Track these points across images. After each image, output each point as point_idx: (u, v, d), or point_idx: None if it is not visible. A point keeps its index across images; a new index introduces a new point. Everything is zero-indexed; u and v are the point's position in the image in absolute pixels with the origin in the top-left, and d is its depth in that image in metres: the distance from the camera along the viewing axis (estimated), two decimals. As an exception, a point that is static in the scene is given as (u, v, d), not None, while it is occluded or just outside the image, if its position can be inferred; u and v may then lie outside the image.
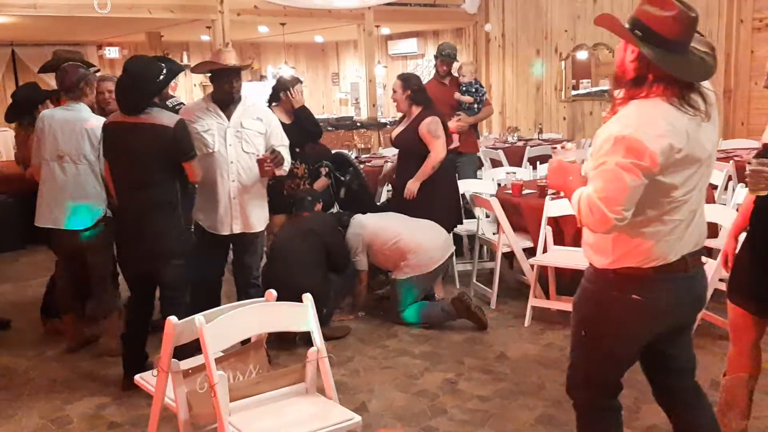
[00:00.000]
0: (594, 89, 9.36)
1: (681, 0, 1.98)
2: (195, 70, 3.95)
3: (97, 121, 3.99)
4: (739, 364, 2.72)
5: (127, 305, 3.92)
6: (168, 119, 3.47)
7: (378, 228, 4.59)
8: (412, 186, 4.85)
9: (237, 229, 3.85)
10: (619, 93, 2.08)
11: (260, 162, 3.74)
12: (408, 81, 4.96)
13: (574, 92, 9.59)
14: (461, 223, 5.24)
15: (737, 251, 2.73)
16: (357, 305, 4.80)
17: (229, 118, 3.78)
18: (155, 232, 3.52)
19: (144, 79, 3.47)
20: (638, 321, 2.14)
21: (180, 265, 3.59)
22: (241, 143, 3.76)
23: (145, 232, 3.52)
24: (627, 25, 2.03)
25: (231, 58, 3.77)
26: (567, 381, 2.40)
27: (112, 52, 11.80)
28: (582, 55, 9.36)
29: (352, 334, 4.43)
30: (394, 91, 4.97)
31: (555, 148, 2.09)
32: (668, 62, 1.96)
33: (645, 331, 2.19)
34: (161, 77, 3.54)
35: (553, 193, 4.62)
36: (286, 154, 3.92)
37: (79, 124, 4.00)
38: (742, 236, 2.76)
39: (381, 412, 3.39)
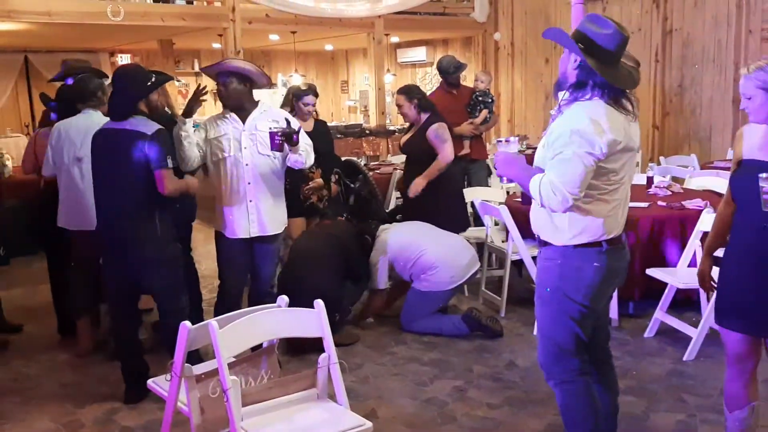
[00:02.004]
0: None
1: (615, 21, 2.43)
2: (204, 71, 4.01)
3: None
4: (749, 394, 2.64)
5: (113, 322, 3.88)
6: (147, 128, 3.48)
7: (402, 247, 4.55)
8: (418, 183, 4.86)
9: (254, 232, 3.84)
10: (564, 95, 2.50)
11: (272, 135, 3.64)
12: (410, 92, 5.08)
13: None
14: (464, 230, 5.23)
15: (720, 270, 2.65)
16: (367, 315, 4.79)
17: (244, 122, 3.80)
18: (136, 239, 3.51)
19: (129, 86, 3.55)
20: (600, 283, 2.54)
21: (168, 272, 3.59)
22: (256, 146, 3.76)
23: (126, 239, 3.52)
24: (572, 38, 2.42)
25: (236, 63, 3.84)
26: (542, 360, 2.69)
27: (124, 59, 11.89)
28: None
29: (361, 341, 4.44)
30: (400, 106, 5.05)
31: (500, 141, 2.65)
32: (606, 71, 2.38)
33: (606, 291, 2.63)
34: (147, 84, 3.60)
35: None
36: (308, 153, 3.84)
37: (95, 129, 4.06)
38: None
39: (391, 419, 3.40)
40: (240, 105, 3.80)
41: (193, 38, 9.97)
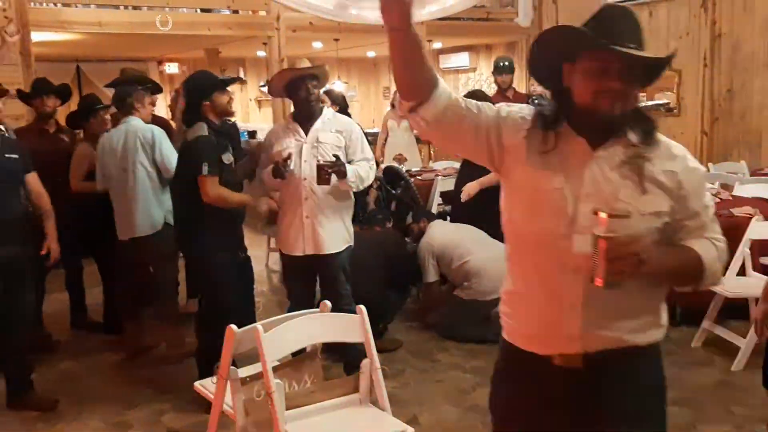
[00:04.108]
0: (650, 103, 9.21)
1: None
2: (270, 84, 3.96)
3: (147, 131, 4.21)
4: None
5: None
6: (192, 134, 3.58)
7: (449, 243, 4.56)
8: (472, 187, 4.75)
9: (308, 251, 3.65)
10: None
11: (318, 168, 3.52)
12: (480, 97, 5.01)
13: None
14: None
15: None
16: (426, 314, 4.78)
17: (307, 133, 3.66)
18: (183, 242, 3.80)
19: (190, 91, 3.70)
20: None
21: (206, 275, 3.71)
22: (316, 159, 3.58)
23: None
24: None
25: (302, 64, 3.82)
26: None
27: (171, 68, 12.16)
28: (637, 68, 9.24)
29: (404, 347, 4.45)
30: None
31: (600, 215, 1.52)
32: None
33: None
34: (204, 89, 3.67)
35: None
36: (366, 169, 3.69)
37: (131, 135, 4.20)
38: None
39: (433, 426, 3.40)
40: (314, 112, 3.68)
41: (238, 47, 10.14)
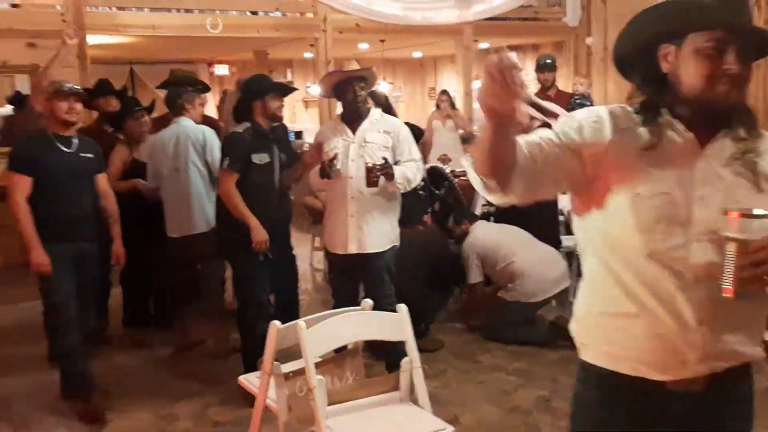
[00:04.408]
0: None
1: None
2: (320, 85, 4.08)
3: (198, 132, 4.32)
4: None
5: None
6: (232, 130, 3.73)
7: (493, 245, 4.56)
8: None
9: (352, 249, 3.68)
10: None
11: (368, 170, 3.54)
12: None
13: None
14: (556, 247, 5.10)
15: None
16: (470, 312, 4.78)
17: (355, 133, 3.70)
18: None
19: (242, 92, 3.85)
20: None
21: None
22: (363, 158, 3.61)
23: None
24: None
25: (350, 66, 3.90)
26: None
27: (221, 70, 12.38)
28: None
29: (445, 347, 4.46)
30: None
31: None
32: None
33: None
34: (251, 92, 3.79)
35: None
36: (413, 170, 3.70)
37: (183, 136, 4.31)
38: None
39: (474, 426, 3.41)
40: (361, 113, 3.71)
41: (286, 48, 10.27)
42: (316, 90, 10.68)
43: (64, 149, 3.59)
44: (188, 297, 4.55)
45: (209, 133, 4.35)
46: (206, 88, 5.20)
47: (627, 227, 1.47)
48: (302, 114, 13.97)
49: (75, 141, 3.66)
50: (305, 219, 6.75)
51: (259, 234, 3.64)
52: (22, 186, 3.48)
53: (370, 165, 3.55)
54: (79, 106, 3.64)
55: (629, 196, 1.46)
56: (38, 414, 3.74)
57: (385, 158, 3.59)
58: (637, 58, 1.55)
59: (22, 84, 7.23)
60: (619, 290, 1.52)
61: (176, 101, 4.44)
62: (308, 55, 10.89)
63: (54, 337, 3.73)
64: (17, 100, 7.01)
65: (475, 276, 4.62)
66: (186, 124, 4.37)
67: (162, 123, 4.88)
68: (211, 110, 8.06)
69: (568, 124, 1.54)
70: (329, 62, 8.47)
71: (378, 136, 3.69)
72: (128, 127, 4.72)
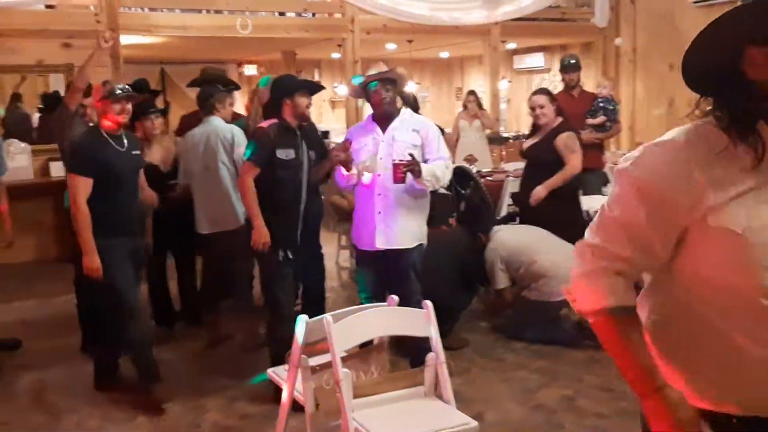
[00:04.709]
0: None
1: None
2: (349, 87, 4.14)
3: (227, 131, 4.40)
4: None
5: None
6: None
7: (516, 248, 4.56)
8: (540, 191, 4.76)
9: (380, 245, 3.73)
10: None
11: (394, 166, 3.61)
12: (551, 94, 5.02)
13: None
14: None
15: None
16: (497, 313, 4.78)
17: (384, 132, 3.77)
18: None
19: (272, 91, 3.88)
20: None
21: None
22: (391, 156, 3.67)
23: None
24: None
25: (373, 69, 3.90)
26: None
27: (250, 70, 12.52)
28: (719, 69, 8.95)
29: (470, 346, 4.48)
30: (542, 106, 4.89)
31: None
32: None
33: None
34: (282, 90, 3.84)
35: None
36: (442, 168, 3.74)
37: (213, 135, 4.40)
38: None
39: (497, 423, 3.43)
40: (391, 112, 3.76)
41: (314, 49, 10.36)
42: (343, 90, 10.76)
43: (118, 148, 3.69)
44: (218, 293, 4.64)
45: (238, 132, 4.43)
46: (236, 87, 5.29)
47: (723, 269, 1.29)
48: (329, 114, 14.08)
49: (125, 139, 3.75)
50: (331, 218, 6.82)
51: (260, 234, 3.67)
52: (84, 188, 3.55)
53: (396, 161, 3.61)
54: (130, 107, 3.71)
55: (729, 235, 1.27)
56: (73, 403, 3.85)
57: (411, 155, 3.63)
58: (719, 64, 1.34)
59: (57, 83, 7.38)
60: (712, 334, 1.36)
61: (208, 100, 4.53)
62: (336, 55, 10.97)
63: (123, 328, 3.74)
64: (52, 99, 7.18)
65: (502, 281, 4.63)
66: (216, 123, 4.45)
67: (192, 121, 4.98)
68: (239, 109, 8.16)
69: (636, 188, 1.36)
70: (357, 62, 8.55)
71: (407, 134, 3.74)
72: (140, 127, 4.65)
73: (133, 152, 3.80)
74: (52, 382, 4.16)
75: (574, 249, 1.56)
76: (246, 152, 3.74)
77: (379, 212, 3.72)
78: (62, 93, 7.16)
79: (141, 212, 3.93)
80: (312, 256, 4.09)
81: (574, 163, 4.80)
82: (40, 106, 7.58)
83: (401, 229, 3.74)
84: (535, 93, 5.03)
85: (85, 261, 3.57)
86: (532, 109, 4.95)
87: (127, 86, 3.76)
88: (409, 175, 3.61)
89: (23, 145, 7.04)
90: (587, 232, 1.48)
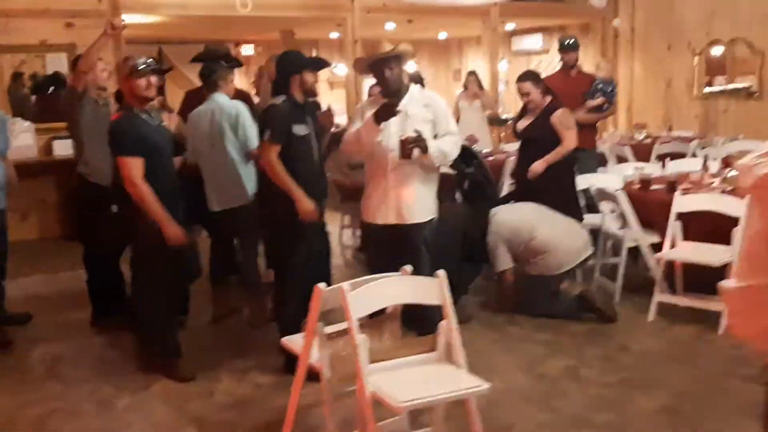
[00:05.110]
0: (731, 86, 8.97)
1: None
2: (355, 65, 4.14)
3: (232, 107, 4.41)
4: None
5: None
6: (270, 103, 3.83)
7: (515, 226, 4.62)
8: (538, 166, 4.86)
9: (392, 220, 3.78)
10: None
11: (401, 142, 3.64)
12: (536, 77, 5.12)
13: (707, 89, 9.22)
14: (581, 221, 5.20)
15: None
16: (504, 307, 4.76)
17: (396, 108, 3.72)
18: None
19: (278, 67, 3.87)
20: None
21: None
22: (404, 131, 3.68)
23: None
24: None
25: (384, 47, 3.85)
26: None
27: (247, 50, 12.50)
28: (717, 50, 9.00)
29: (474, 320, 4.57)
30: (528, 92, 5.00)
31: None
32: None
33: None
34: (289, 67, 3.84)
35: (683, 188, 4.60)
36: (450, 143, 3.80)
37: (217, 112, 4.42)
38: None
39: (504, 391, 3.52)
40: (398, 89, 3.77)
41: (312, 28, 10.36)
42: (342, 70, 10.76)
43: (152, 123, 3.72)
44: (227, 268, 4.70)
45: (242, 108, 4.44)
46: (239, 64, 5.31)
47: None
48: (327, 95, 14.06)
49: (153, 115, 3.78)
50: (334, 196, 6.88)
51: (305, 204, 3.68)
52: (137, 167, 3.55)
53: (403, 137, 3.65)
54: (155, 81, 3.69)
55: None
56: (85, 374, 3.93)
57: (418, 131, 3.67)
58: None
59: (57, 63, 7.38)
60: None
61: (210, 77, 4.54)
62: (334, 35, 10.98)
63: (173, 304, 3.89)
64: (55, 79, 7.21)
65: (504, 262, 4.68)
66: (220, 100, 4.47)
67: (196, 98, 4.98)
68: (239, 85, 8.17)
69: None
70: (356, 42, 8.55)
71: (419, 110, 3.77)
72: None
73: (162, 124, 3.84)
74: (63, 354, 4.23)
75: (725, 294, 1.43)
76: (265, 131, 3.69)
77: (393, 187, 3.76)
78: (59, 77, 7.22)
79: (177, 185, 3.91)
80: (318, 235, 4.12)
81: (571, 138, 4.92)
82: (31, 87, 7.54)
83: (414, 204, 3.79)
84: (519, 80, 5.13)
85: (168, 233, 3.56)
86: (520, 94, 5.11)
87: (150, 59, 3.73)
88: (416, 151, 3.65)
89: (27, 123, 7.05)
90: (732, 281, 1.39)
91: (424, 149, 3.66)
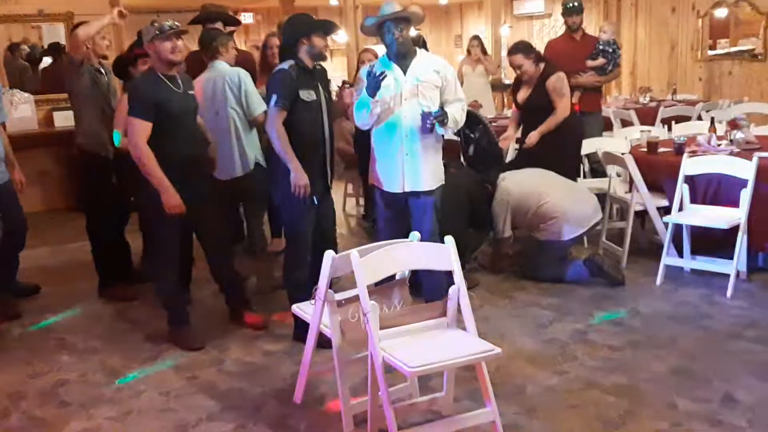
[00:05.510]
0: (734, 49, 8.87)
1: None
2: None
3: (234, 74, 4.31)
4: None
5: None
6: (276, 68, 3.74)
7: (524, 193, 4.59)
8: (533, 138, 4.94)
9: (408, 187, 3.74)
10: None
11: (423, 117, 3.62)
12: (526, 48, 5.10)
13: (711, 52, 9.12)
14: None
15: None
16: (496, 268, 4.84)
17: (405, 71, 3.71)
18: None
19: (285, 32, 3.77)
20: None
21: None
22: (417, 98, 3.66)
23: None
24: None
25: (388, 9, 3.72)
26: None
27: (246, 18, 12.35)
28: (721, 12, 8.88)
29: (481, 285, 4.57)
30: (521, 65, 5.02)
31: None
32: None
33: None
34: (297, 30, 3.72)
35: (690, 151, 4.56)
36: (458, 109, 3.77)
37: (219, 79, 4.33)
38: None
39: (513, 355, 3.53)
40: (406, 52, 3.70)
41: (313, -5, 10.23)
42: (342, 38, 10.64)
43: (175, 89, 3.66)
44: (233, 236, 4.69)
45: (243, 75, 4.36)
46: (237, 23, 5.22)
47: None
48: (327, 63, 13.94)
49: (180, 80, 3.71)
50: (337, 165, 6.85)
51: (300, 177, 3.60)
52: (143, 131, 3.51)
53: (426, 111, 3.63)
54: (181, 44, 3.62)
55: None
56: (95, 344, 3.94)
57: (441, 107, 3.66)
58: None
59: (53, 33, 7.31)
60: None
61: (211, 44, 4.46)
62: (334, 2, 10.83)
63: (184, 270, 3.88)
64: (54, 50, 7.14)
65: (505, 231, 4.67)
66: (221, 67, 4.39)
67: (196, 61, 4.89)
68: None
69: None
70: (357, 8, 8.45)
71: (430, 75, 3.71)
72: (133, 75, 4.48)
73: (191, 92, 3.78)
74: (72, 325, 4.24)
75: None
76: (271, 97, 3.60)
77: (407, 154, 3.71)
78: (58, 47, 7.16)
79: (200, 155, 3.87)
80: (324, 201, 4.09)
81: (563, 106, 4.95)
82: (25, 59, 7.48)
83: (428, 171, 3.76)
84: (509, 53, 5.12)
85: (165, 199, 3.53)
86: (513, 67, 5.11)
87: (176, 23, 3.64)
88: (436, 125, 3.64)
89: (26, 95, 6.99)
90: None
91: (444, 123, 3.65)
